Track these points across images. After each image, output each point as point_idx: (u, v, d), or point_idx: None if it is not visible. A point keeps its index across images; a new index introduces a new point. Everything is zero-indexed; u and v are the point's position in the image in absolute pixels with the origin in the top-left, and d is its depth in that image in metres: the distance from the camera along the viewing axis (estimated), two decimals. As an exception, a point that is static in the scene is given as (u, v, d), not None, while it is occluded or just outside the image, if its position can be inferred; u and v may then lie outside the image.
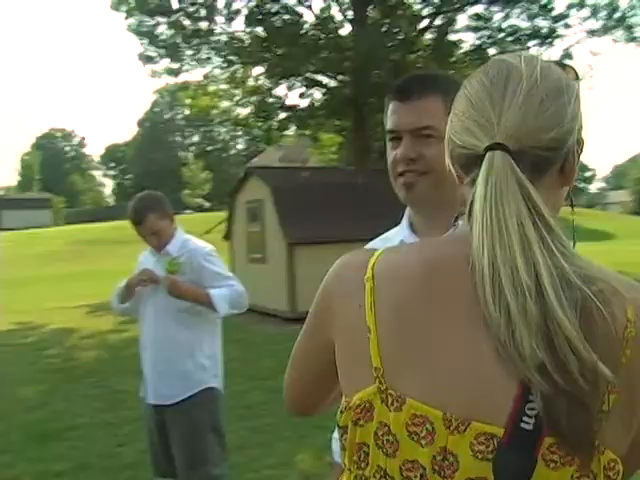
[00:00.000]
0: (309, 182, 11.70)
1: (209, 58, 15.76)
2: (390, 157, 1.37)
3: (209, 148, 69.63)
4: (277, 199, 10.65)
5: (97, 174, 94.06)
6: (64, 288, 17.35)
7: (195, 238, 3.12)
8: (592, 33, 15.42)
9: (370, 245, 1.52)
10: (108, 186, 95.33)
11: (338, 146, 22.74)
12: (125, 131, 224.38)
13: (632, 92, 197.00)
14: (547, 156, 0.81)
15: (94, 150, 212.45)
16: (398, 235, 1.48)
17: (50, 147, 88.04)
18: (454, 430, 0.74)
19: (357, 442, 0.81)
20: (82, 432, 5.13)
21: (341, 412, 0.84)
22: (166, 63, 16.26)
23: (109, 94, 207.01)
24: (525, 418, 0.72)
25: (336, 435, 1.60)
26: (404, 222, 1.49)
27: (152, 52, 15.69)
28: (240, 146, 62.20)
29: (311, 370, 1.01)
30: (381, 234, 1.56)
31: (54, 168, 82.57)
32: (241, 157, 54.86)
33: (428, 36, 16.52)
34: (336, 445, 1.62)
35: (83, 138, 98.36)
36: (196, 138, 77.12)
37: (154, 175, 69.56)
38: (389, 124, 1.37)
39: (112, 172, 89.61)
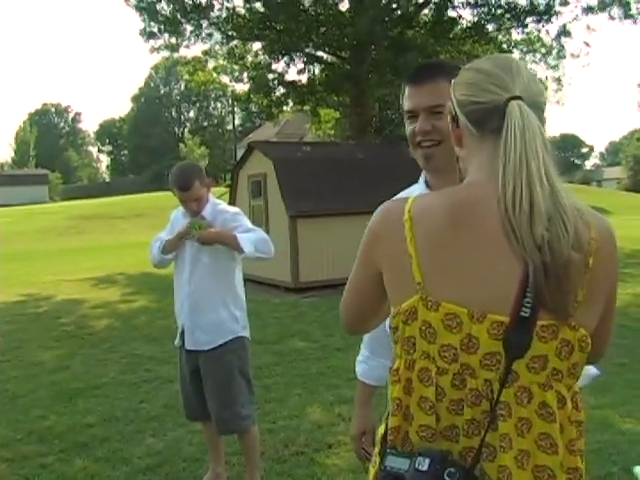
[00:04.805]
0: (311, 156, 11.93)
1: (211, 34, 15.87)
2: (408, 130, 1.68)
3: (205, 124, 69.40)
4: (280, 173, 10.90)
5: (92, 150, 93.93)
6: (66, 262, 17.60)
7: (224, 203, 3.45)
8: (589, 10, 15.60)
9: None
10: (103, 162, 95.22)
11: (335, 121, 22.95)
12: (119, 107, 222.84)
13: (628, 68, 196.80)
14: (541, 115, 1.14)
15: (89, 126, 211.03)
16: (417, 192, 1.78)
17: (44, 122, 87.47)
18: (475, 321, 1.07)
19: (406, 336, 1.14)
20: (105, 391, 5.45)
21: (393, 317, 1.16)
22: (166, 38, 16.37)
23: (103, 69, 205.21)
24: (523, 309, 1.06)
25: (360, 358, 1.94)
26: (421, 181, 1.81)
27: (153, 28, 15.77)
28: (236, 122, 62.23)
29: (364, 293, 1.28)
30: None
31: (48, 144, 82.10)
32: (237, 133, 54.66)
33: (426, 12, 16.64)
34: (360, 367, 1.96)
35: (78, 113, 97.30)
36: (192, 114, 76.94)
37: (149, 151, 69.48)
38: (407, 105, 1.67)
39: (107, 148, 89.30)
